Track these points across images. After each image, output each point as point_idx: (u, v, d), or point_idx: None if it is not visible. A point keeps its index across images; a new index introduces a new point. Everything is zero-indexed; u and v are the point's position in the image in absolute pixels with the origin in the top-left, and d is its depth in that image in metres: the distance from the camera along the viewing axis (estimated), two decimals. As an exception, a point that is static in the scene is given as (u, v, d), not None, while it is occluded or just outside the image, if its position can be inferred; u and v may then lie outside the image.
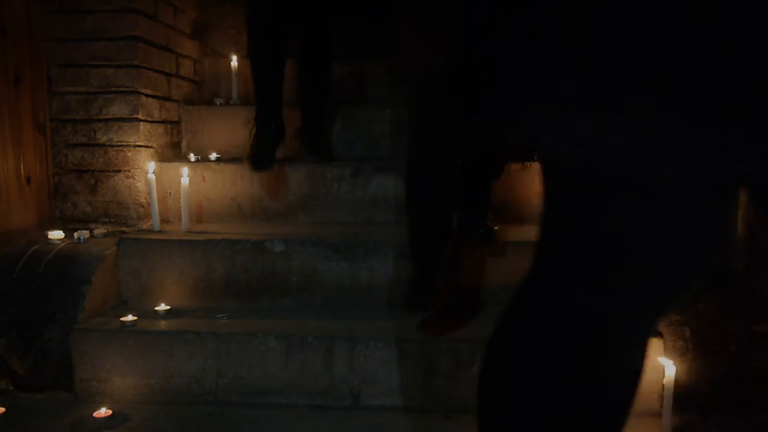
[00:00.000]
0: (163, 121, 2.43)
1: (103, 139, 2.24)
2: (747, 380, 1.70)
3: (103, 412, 1.63)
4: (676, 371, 1.54)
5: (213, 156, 2.47)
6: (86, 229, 2.11)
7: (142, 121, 2.25)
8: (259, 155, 2.20)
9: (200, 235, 2.10)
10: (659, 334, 1.68)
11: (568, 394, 0.72)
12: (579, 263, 0.70)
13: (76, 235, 2.05)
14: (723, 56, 0.53)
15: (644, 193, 0.63)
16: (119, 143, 2.24)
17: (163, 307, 1.93)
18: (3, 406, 1.67)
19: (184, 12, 2.66)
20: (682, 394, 1.63)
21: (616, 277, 0.69)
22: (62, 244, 2.00)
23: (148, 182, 2.20)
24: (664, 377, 1.54)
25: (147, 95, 2.28)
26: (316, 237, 2.04)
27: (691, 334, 1.68)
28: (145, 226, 2.26)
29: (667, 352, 1.66)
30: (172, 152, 2.53)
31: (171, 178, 2.32)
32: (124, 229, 2.24)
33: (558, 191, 0.72)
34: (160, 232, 2.17)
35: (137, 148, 2.25)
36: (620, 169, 0.61)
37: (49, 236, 2.05)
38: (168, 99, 2.48)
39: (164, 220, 2.29)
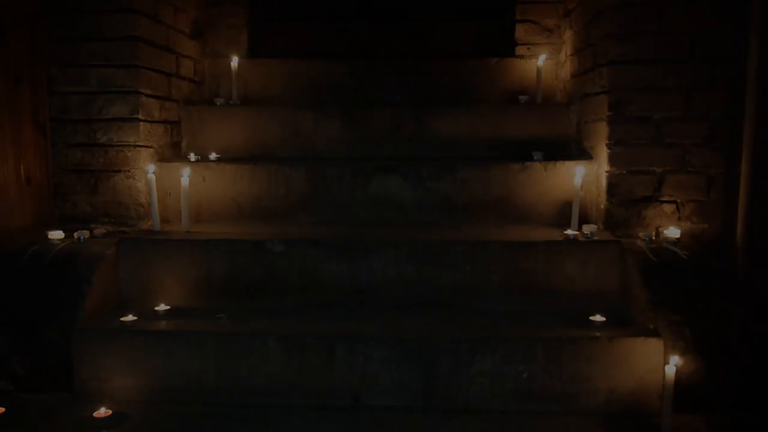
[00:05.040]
0: (163, 121, 2.43)
1: (103, 139, 2.24)
2: (746, 380, 1.70)
3: (103, 412, 1.63)
4: (676, 371, 1.54)
5: (213, 156, 2.47)
6: (86, 229, 2.11)
7: (142, 121, 2.25)
8: None
9: (200, 235, 2.10)
10: (659, 334, 1.68)
11: None
12: None
13: (76, 235, 2.05)
14: None
15: None
16: (119, 143, 2.24)
17: (163, 307, 1.93)
18: (3, 406, 1.67)
19: (184, 12, 2.66)
20: (682, 394, 1.63)
21: None
22: (62, 244, 2.00)
23: (148, 182, 2.20)
24: (664, 377, 1.54)
25: (147, 95, 2.28)
26: (316, 237, 2.04)
27: (691, 334, 1.68)
28: (145, 226, 2.26)
29: (667, 352, 1.66)
30: (172, 152, 2.53)
31: (171, 178, 2.32)
32: (124, 229, 2.24)
33: None
34: (160, 232, 2.17)
35: (137, 148, 2.25)
36: None
37: (49, 236, 2.05)
38: (168, 99, 2.48)
39: (164, 220, 2.29)
